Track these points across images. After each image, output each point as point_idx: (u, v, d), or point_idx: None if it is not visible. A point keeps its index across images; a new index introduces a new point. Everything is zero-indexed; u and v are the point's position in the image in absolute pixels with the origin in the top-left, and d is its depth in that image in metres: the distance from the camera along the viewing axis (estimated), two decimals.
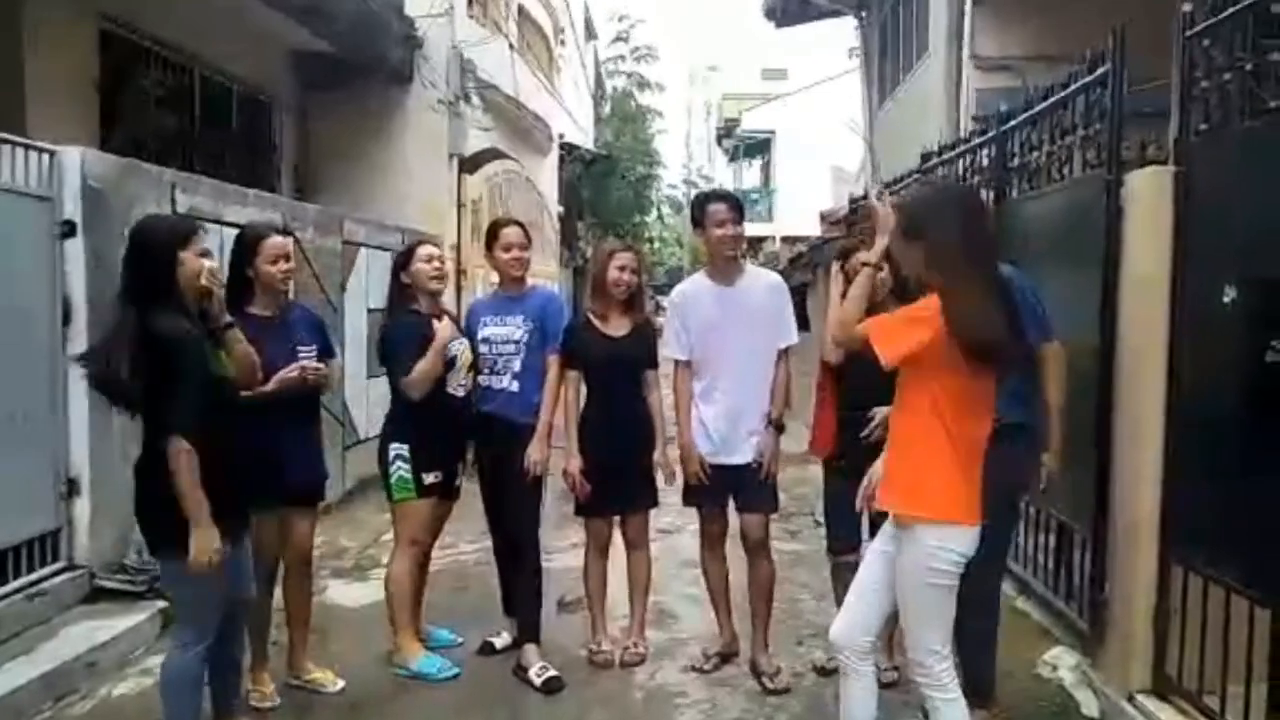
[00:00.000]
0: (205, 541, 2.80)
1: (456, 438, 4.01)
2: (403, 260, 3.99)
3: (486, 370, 4.00)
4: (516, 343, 3.96)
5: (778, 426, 3.88)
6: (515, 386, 3.95)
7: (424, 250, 3.97)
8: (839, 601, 3.89)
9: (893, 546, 2.71)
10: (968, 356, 2.50)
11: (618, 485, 3.99)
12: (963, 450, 2.58)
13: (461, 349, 3.93)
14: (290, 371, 3.53)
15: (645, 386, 4.04)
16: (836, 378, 3.73)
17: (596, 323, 4.03)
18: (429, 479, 3.88)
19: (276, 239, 3.63)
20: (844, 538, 3.81)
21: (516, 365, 3.96)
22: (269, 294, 3.62)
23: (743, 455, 3.87)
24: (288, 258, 3.65)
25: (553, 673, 3.85)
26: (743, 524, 3.94)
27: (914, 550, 2.60)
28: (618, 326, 4.03)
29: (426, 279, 3.91)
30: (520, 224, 4.17)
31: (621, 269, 4.00)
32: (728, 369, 3.89)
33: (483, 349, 3.99)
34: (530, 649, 3.94)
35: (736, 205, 3.93)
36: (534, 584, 3.98)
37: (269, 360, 3.46)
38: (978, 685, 3.40)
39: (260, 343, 3.33)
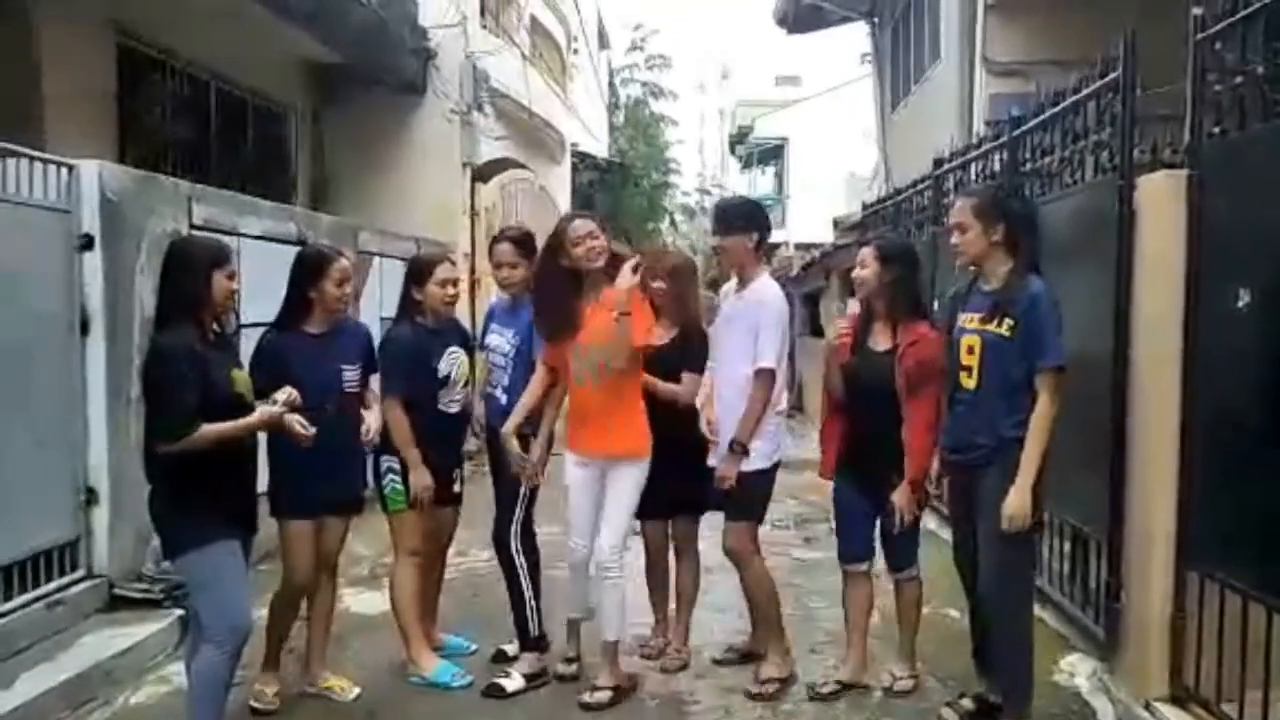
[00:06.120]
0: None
1: (450, 448, 3.99)
2: (418, 274, 3.89)
3: (488, 374, 4.08)
4: (505, 355, 3.99)
5: (739, 449, 3.68)
6: (504, 398, 3.97)
7: (441, 272, 3.87)
8: (847, 613, 3.90)
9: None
10: None
11: (662, 489, 3.84)
12: None
13: (455, 365, 3.93)
14: (294, 425, 3.22)
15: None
16: (842, 405, 3.81)
17: None
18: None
19: (343, 262, 3.69)
20: (853, 549, 3.84)
21: (505, 379, 3.99)
22: (327, 313, 3.67)
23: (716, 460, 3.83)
24: (349, 280, 3.72)
25: (519, 681, 3.83)
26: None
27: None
28: (660, 335, 3.91)
29: (439, 302, 3.88)
30: (514, 239, 4.01)
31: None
32: (718, 373, 3.92)
33: (488, 355, 4.07)
34: (525, 658, 3.94)
35: (721, 218, 3.94)
36: (514, 586, 3.96)
37: (311, 377, 3.51)
38: (1007, 695, 3.39)
39: (305, 360, 3.53)
